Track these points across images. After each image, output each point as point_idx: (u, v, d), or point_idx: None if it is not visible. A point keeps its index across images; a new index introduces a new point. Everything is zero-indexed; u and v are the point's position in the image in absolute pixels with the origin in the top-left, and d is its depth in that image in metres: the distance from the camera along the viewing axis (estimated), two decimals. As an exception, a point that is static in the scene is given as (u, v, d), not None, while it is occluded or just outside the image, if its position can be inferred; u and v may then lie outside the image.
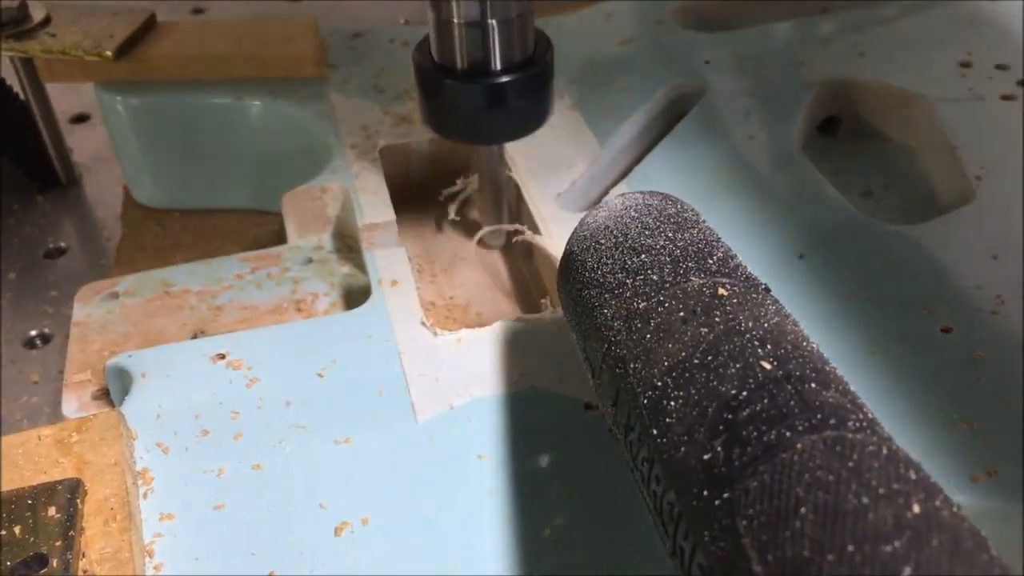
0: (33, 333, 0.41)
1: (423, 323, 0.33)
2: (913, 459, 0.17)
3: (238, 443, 0.29)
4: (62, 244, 0.47)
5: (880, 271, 0.35)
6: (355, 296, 0.37)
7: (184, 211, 0.48)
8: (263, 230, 0.47)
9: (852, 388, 0.20)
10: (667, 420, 0.20)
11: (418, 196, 0.43)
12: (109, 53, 0.43)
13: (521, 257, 0.41)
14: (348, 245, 0.39)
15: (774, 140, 0.42)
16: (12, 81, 0.48)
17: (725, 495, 0.17)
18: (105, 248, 0.47)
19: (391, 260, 0.36)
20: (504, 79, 0.33)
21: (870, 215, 0.38)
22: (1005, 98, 0.44)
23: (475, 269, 0.40)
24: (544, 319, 0.33)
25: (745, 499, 0.17)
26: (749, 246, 0.36)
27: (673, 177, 0.40)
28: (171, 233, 0.47)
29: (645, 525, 0.26)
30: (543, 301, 0.34)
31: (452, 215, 0.40)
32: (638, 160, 0.42)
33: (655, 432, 0.20)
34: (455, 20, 0.32)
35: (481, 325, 0.33)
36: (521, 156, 0.41)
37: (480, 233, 0.39)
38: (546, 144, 0.42)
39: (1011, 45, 0.47)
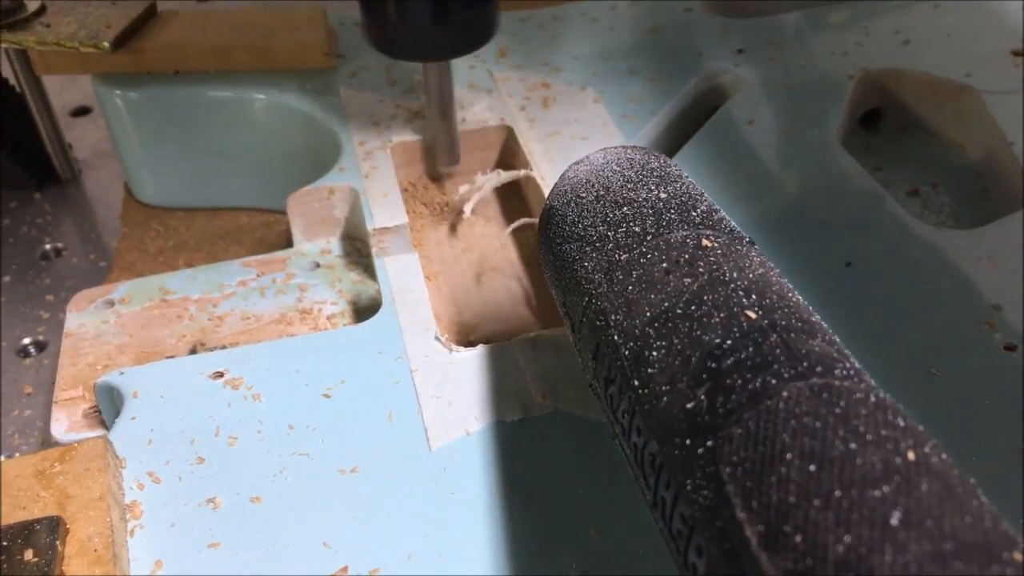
0: (27, 341, 0.39)
1: (437, 338, 0.30)
2: (900, 407, 0.17)
3: (236, 472, 0.26)
4: (60, 245, 0.45)
5: (935, 280, 0.32)
6: (364, 306, 0.34)
7: (187, 210, 0.46)
8: (270, 230, 0.45)
9: (839, 340, 0.19)
10: (649, 370, 0.19)
11: (432, 197, 0.40)
12: (106, 44, 0.40)
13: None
14: (357, 249, 0.37)
15: (814, 135, 0.39)
16: (7, 73, 0.45)
17: (708, 443, 0.17)
18: (105, 249, 0.45)
19: (403, 267, 0.34)
20: None
21: (918, 216, 0.35)
22: (1063, 89, 0.41)
23: (493, 278, 0.37)
24: (568, 334, 0.30)
25: (729, 446, 0.16)
26: (790, 253, 0.33)
27: (705, 176, 0.37)
28: (174, 233, 0.45)
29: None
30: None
31: (468, 213, 0.37)
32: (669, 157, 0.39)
33: (636, 383, 0.19)
34: None
35: (500, 340, 0.31)
36: (541, 153, 0.39)
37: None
38: (568, 140, 0.40)
39: (1068, 32, 0.44)
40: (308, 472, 0.26)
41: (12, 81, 0.45)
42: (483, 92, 0.42)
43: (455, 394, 0.29)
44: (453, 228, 0.39)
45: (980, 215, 0.38)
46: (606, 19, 0.47)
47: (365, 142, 0.39)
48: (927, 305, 0.31)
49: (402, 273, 0.33)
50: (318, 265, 0.36)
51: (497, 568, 0.24)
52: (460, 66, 0.43)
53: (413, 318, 0.31)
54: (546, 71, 0.44)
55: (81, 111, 0.54)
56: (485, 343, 0.30)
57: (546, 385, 0.29)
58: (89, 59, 0.41)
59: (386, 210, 0.35)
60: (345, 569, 0.24)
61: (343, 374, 0.29)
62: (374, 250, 0.35)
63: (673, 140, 0.42)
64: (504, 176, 0.38)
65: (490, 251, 0.38)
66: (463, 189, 0.38)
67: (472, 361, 0.30)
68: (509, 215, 0.40)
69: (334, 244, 0.37)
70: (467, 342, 0.31)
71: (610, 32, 0.46)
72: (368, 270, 0.36)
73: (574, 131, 0.40)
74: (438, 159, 0.40)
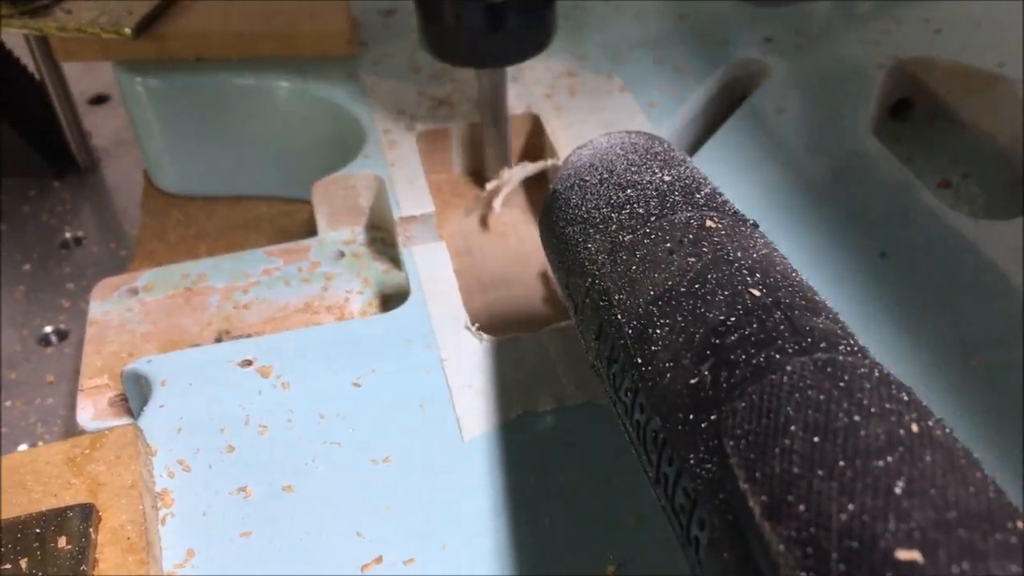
0: (48, 329, 0.39)
1: (468, 327, 0.30)
2: (904, 383, 0.17)
3: (267, 461, 0.26)
4: (79, 233, 0.44)
5: (973, 271, 0.31)
6: (391, 295, 0.34)
7: (208, 198, 0.45)
8: (291, 219, 0.44)
9: (843, 319, 0.19)
10: (652, 348, 0.19)
11: (459, 186, 0.40)
12: (128, 30, 0.40)
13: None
14: (383, 239, 0.37)
15: (845, 125, 0.38)
16: (26, 60, 0.45)
17: (712, 417, 0.17)
18: (125, 238, 0.44)
19: (431, 256, 0.33)
20: None
21: (950, 207, 0.35)
22: (1098, 79, 0.40)
23: (524, 267, 0.37)
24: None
25: (732, 420, 0.16)
26: (824, 243, 0.33)
27: (735, 166, 0.37)
28: (195, 222, 0.44)
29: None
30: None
31: (497, 209, 0.37)
32: (696, 147, 0.38)
33: (639, 360, 0.20)
34: None
35: (532, 330, 0.30)
36: (567, 141, 0.38)
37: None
38: (594, 130, 0.39)
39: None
40: (340, 461, 0.26)
41: (31, 68, 0.45)
42: (508, 80, 0.42)
43: (487, 384, 0.28)
44: (481, 220, 0.38)
45: (1013, 206, 0.38)
46: (632, 6, 0.47)
47: (390, 130, 0.39)
48: (965, 296, 0.30)
49: (430, 262, 0.33)
50: (343, 254, 0.36)
51: (534, 559, 0.24)
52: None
53: (442, 307, 0.31)
54: (571, 59, 0.43)
55: (99, 99, 0.54)
56: (516, 333, 0.30)
57: (579, 375, 0.28)
58: (110, 45, 0.41)
59: (412, 198, 0.35)
60: (380, 559, 0.23)
61: (373, 363, 0.29)
62: (400, 239, 0.34)
63: (700, 128, 0.41)
64: (530, 168, 0.38)
65: (518, 240, 0.37)
66: (490, 185, 0.38)
67: (503, 351, 0.29)
68: (536, 204, 0.39)
69: (359, 233, 0.37)
70: (498, 331, 0.31)
71: (636, 19, 0.46)
72: (394, 259, 0.35)
73: (600, 119, 0.39)
74: (488, 166, 0.39)
